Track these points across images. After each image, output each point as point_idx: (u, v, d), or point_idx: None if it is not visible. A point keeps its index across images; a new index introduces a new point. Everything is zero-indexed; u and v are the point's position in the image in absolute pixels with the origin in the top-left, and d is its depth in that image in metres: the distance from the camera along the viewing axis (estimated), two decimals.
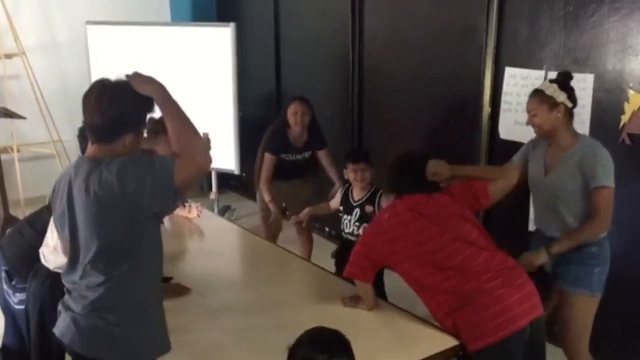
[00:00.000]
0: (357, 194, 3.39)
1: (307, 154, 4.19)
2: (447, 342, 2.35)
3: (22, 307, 2.72)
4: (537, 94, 2.75)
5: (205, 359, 2.28)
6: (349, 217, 3.40)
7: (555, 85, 2.72)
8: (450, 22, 4.04)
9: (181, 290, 2.79)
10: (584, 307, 2.77)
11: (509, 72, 3.63)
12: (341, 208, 3.46)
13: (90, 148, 1.97)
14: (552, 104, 2.70)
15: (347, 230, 3.42)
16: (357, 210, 3.36)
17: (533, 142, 2.93)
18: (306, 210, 3.64)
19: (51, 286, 2.54)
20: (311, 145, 4.19)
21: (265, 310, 2.64)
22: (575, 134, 2.78)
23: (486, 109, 3.76)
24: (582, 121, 3.24)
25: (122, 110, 1.90)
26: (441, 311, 2.44)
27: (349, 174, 3.39)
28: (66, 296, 2.06)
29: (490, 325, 2.31)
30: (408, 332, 2.46)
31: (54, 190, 2.16)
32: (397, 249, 2.51)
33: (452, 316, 2.39)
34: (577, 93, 3.12)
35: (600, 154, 2.67)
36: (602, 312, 2.80)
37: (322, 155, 4.23)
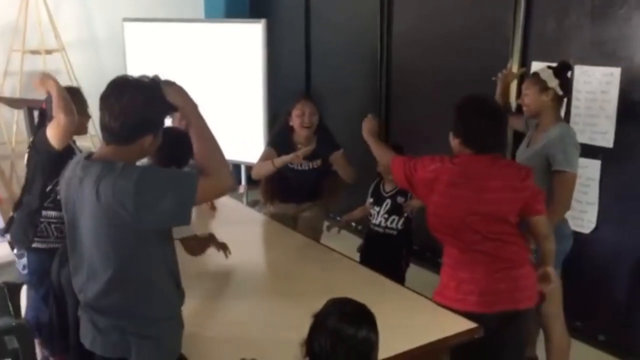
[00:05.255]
0: (388, 186, 3.42)
1: (316, 163, 3.57)
2: (468, 324, 2.38)
3: (26, 272, 2.87)
4: (533, 76, 2.94)
5: (229, 333, 2.35)
6: (378, 209, 3.42)
7: (550, 71, 2.87)
8: (477, 17, 4.08)
9: (217, 244, 2.79)
10: None
11: (536, 66, 3.63)
12: (371, 200, 3.47)
13: (103, 149, 1.85)
14: (543, 87, 2.86)
15: (374, 222, 3.44)
16: (387, 202, 3.38)
17: (528, 120, 3.12)
18: (344, 218, 3.68)
19: None
20: (322, 151, 3.53)
21: (288, 294, 2.71)
22: (557, 120, 2.91)
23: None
24: (608, 116, 3.25)
25: (142, 112, 1.80)
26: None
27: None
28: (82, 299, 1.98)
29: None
30: (428, 314, 2.50)
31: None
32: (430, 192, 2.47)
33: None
34: (603, 87, 3.13)
35: (565, 140, 2.79)
36: None
37: (337, 157, 3.55)
